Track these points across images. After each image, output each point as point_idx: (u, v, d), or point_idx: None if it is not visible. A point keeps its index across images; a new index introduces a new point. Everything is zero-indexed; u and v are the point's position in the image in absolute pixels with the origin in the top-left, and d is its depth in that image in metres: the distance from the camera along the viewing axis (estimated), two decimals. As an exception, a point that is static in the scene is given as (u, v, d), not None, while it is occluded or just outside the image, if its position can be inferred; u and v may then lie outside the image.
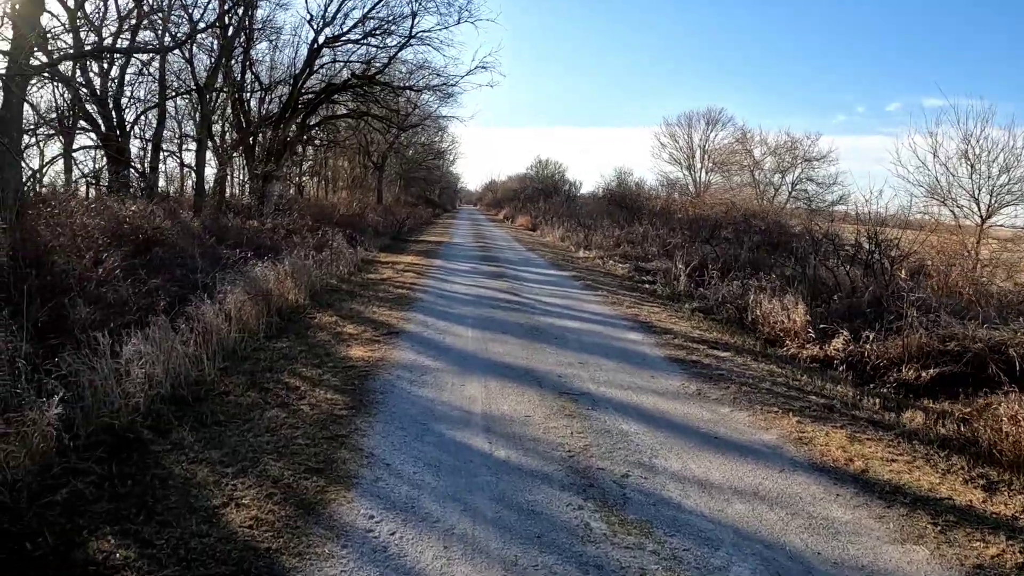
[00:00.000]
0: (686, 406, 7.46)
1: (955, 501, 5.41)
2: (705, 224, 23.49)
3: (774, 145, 41.92)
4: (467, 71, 29.45)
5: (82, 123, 21.36)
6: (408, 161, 55.48)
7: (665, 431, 6.67)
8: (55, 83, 19.24)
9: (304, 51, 26.25)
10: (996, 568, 4.46)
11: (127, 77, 21.71)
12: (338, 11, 25.27)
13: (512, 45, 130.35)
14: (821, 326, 10.33)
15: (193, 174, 23.70)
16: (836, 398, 7.89)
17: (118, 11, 20.22)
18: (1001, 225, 17.25)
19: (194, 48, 22.30)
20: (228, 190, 26.75)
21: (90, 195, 17.67)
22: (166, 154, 26.69)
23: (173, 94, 24.17)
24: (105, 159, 21.02)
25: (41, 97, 22.06)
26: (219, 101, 25.75)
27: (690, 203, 31.51)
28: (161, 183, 25.05)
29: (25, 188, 11.58)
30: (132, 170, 20.16)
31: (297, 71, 26.02)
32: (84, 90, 19.57)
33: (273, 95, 27.71)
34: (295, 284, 12.10)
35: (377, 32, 26.15)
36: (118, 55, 20.15)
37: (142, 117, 24.23)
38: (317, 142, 34.62)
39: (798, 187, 40.66)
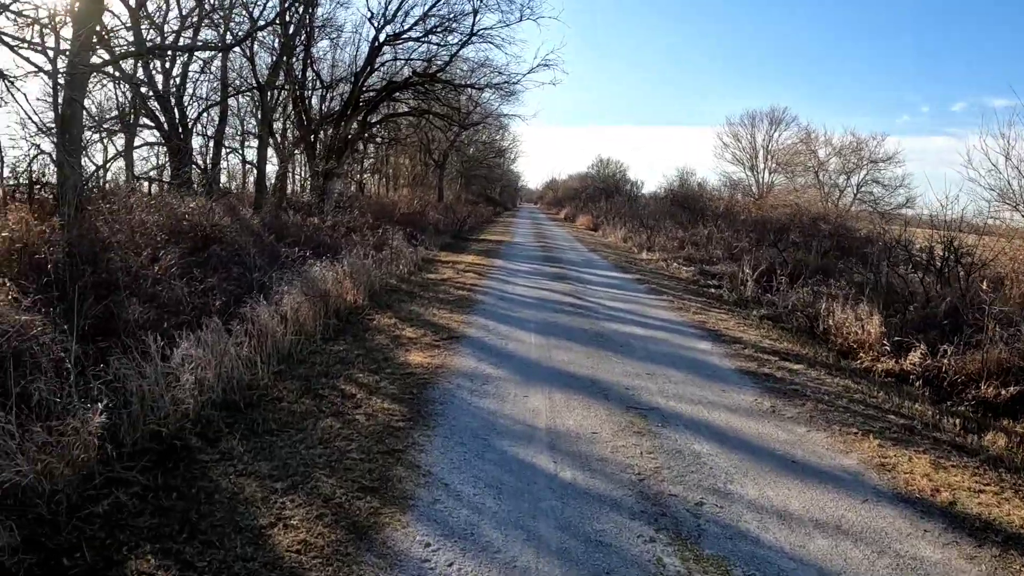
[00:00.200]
0: (760, 424, 6.97)
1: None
2: (770, 227, 22.76)
3: (839, 146, 40.91)
4: (529, 69, 28.81)
5: (145, 120, 21.51)
6: (469, 159, 55.41)
7: (739, 452, 6.20)
8: (117, 81, 19.36)
9: (365, 49, 26.25)
10: None
11: (189, 75, 21.88)
12: (399, 9, 25.17)
13: (573, 43, 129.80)
14: (896, 338, 9.77)
15: (254, 171, 23.78)
16: (916, 418, 7.35)
17: (180, 10, 20.33)
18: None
19: (255, 46, 22.36)
20: (289, 187, 26.81)
21: (152, 192, 17.69)
22: (228, 151, 26.83)
23: (234, 92, 24.28)
24: (167, 156, 21.11)
25: (104, 95, 22.39)
26: (280, 99, 25.84)
27: (753, 204, 30.74)
28: (223, 180, 25.18)
29: (86, 184, 11.50)
30: (194, 166, 20.21)
31: (358, 69, 25.95)
32: (146, 88, 19.65)
33: (334, 93, 27.73)
34: (354, 284, 11.84)
35: (438, 30, 25.94)
36: (179, 53, 20.23)
37: (204, 114, 24.43)
38: (378, 140, 34.64)
39: (863, 189, 39.70)
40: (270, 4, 21.19)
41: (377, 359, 8.58)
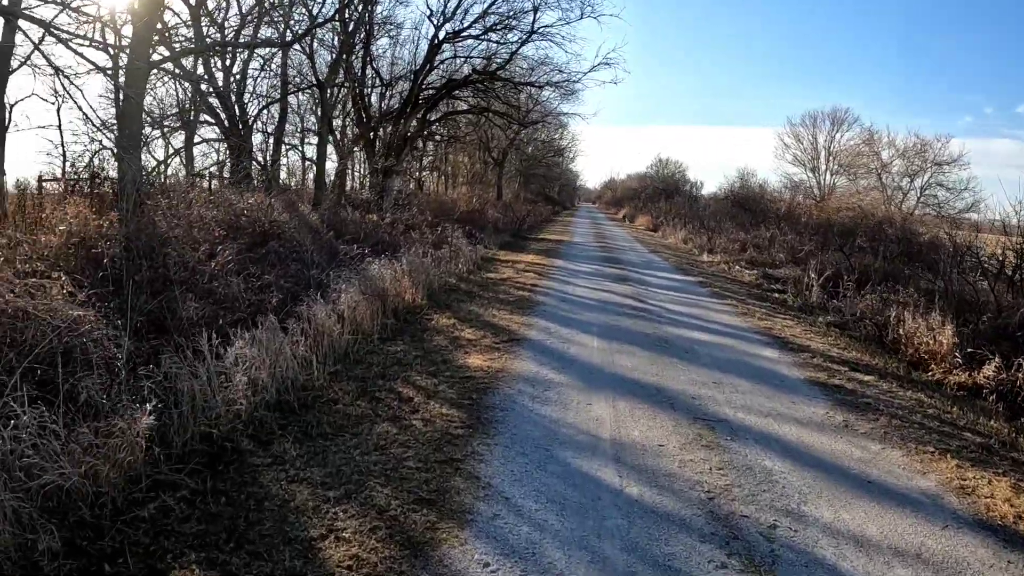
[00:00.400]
0: (833, 440, 6.55)
1: None
2: (834, 230, 22.11)
3: (903, 147, 39.97)
4: (590, 67, 28.50)
5: (205, 117, 21.66)
6: (528, 158, 55.26)
7: (812, 470, 5.80)
8: (178, 78, 19.50)
9: (424, 47, 26.28)
10: None
11: (249, 72, 21.99)
12: (458, 7, 25.13)
13: (631, 43, 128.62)
14: (968, 350, 9.28)
15: (314, 167, 23.84)
16: (992, 436, 6.90)
17: (239, 7, 20.41)
18: None
19: (315, 44, 22.45)
20: (348, 184, 26.87)
21: (213, 187, 17.76)
22: (287, 148, 26.98)
23: (294, 89, 24.37)
24: (227, 152, 21.24)
25: (165, 92, 22.63)
26: (340, 96, 25.89)
27: (815, 207, 30.03)
28: (282, 176, 25.30)
29: (146, 180, 11.50)
30: (254, 163, 20.29)
31: (417, 67, 25.96)
32: (206, 85, 19.77)
33: (393, 91, 27.79)
34: (412, 283, 11.65)
35: (497, 27, 25.85)
36: (239, 50, 20.32)
37: (264, 111, 24.56)
38: (437, 137, 34.64)
39: (927, 192, 38.67)
40: (329, 1, 21.20)
41: (435, 361, 8.34)
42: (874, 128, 43.71)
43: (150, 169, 13.73)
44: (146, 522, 4.23)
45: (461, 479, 5.17)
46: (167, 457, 4.94)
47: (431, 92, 26.48)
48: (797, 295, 15.21)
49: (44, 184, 12.18)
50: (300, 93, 26.41)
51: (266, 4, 19.52)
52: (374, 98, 27.04)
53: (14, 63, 13.84)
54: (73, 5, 9.45)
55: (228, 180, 18.38)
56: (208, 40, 18.39)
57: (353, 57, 23.53)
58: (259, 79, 23.37)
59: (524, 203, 46.01)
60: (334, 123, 25.96)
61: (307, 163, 29.07)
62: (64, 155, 12.10)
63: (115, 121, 12.79)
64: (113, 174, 10.68)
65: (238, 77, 21.20)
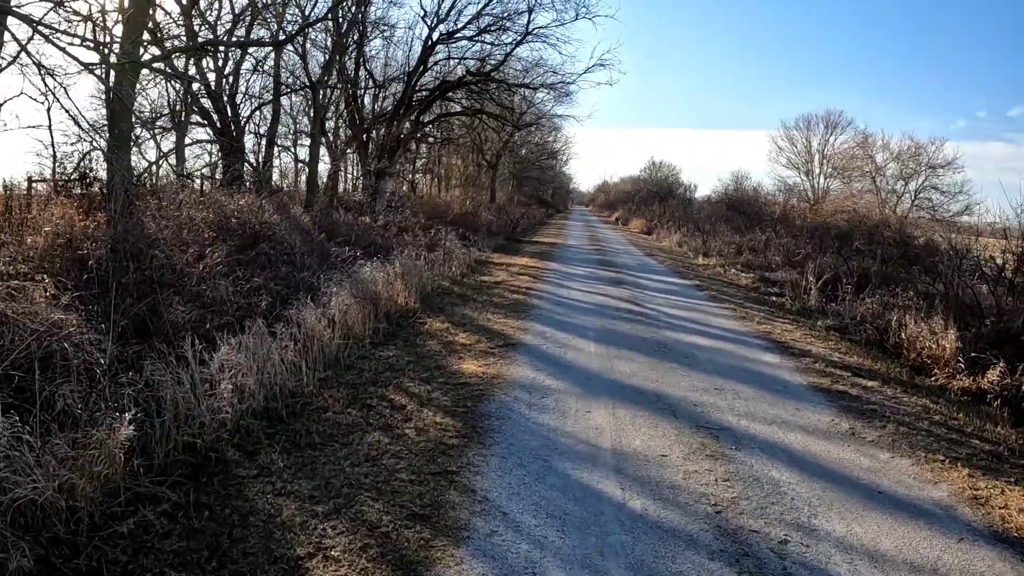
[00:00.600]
0: (840, 449, 6.37)
1: None
2: (831, 233, 22.00)
3: (897, 150, 40.28)
4: (585, 69, 28.43)
5: (197, 118, 21.49)
6: (521, 160, 55.18)
7: (821, 481, 5.61)
8: (170, 79, 19.30)
9: (418, 48, 26.12)
10: None
11: (242, 74, 21.83)
12: (452, 7, 24.93)
13: (625, 46, 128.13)
14: (972, 354, 9.11)
15: (306, 169, 23.66)
16: (1001, 443, 6.78)
17: (232, 7, 20.22)
18: None
19: (307, 44, 22.29)
20: (340, 186, 26.67)
21: (204, 188, 17.55)
22: (280, 149, 26.79)
23: (287, 90, 24.15)
24: (219, 154, 21.04)
25: (158, 93, 22.44)
26: (333, 98, 25.74)
27: (810, 210, 29.98)
28: (275, 178, 25.10)
29: (137, 180, 11.30)
30: (246, 164, 20.10)
31: (411, 68, 25.81)
32: (199, 85, 19.58)
33: (387, 92, 27.62)
34: (405, 286, 11.45)
35: (492, 28, 25.67)
36: (231, 49, 20.13)
37: (256, 113, 24.43)
38: (431, 139, 34.44)
39: (921, 195, 38.95)
40: (322, 1, 21.03)
41: (429, 367, 8.14)
42: (868, 131, 43.77)
43: (141, 170, 13.48)
44: (124, 538, 4.03)
45: (456, 492, 4.96)
46: (148, 468, 4.73)
47: (424, 94, 26.29)
48: (795, 299, 15.06)
49: (34, 185, 11.95)
50: (293, 94, 26.30)
51: (259, 3, 19.31)
52: (367, 100, 26.90)
53: (1, 62, 13.63)
54: (64, 3, 9.26)
55: (219, 181, 18.20)
56: (200, 39, 18.17)
57: (346, 58, 23.35)
58: (252, 80, 23.34)
59: (517, 206, 45.89)
60: (327, 125, 25.83)
61: (299, 165, 28.92)
62: (54, 156, 11.90)
63: (105, 122, 12.57)
64: (103, 175, 10.49)
65: (230, 78, 21.03)
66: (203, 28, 19.51)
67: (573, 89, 30.17)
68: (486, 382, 7.67)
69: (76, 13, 10.01)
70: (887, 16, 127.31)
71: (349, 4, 21.47)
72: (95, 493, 4.24)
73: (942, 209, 37.21)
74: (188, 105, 21.42)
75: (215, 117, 20.05)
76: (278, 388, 6.46)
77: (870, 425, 7.09)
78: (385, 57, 28.87)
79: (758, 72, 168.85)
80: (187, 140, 22.96)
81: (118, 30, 10.58)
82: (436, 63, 27.01)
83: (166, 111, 22.33)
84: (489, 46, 26.33)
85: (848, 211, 27.30)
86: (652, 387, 7.92)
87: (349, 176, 31.73)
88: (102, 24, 10.54)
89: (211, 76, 20.36)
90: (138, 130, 18.03)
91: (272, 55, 21.50)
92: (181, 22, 17.82)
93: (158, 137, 22.82)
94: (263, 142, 23.72)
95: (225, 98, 20.22)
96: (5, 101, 10.13)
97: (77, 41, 9.58)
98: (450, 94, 28.17)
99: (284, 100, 25.19)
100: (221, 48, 19.69)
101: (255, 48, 21.09)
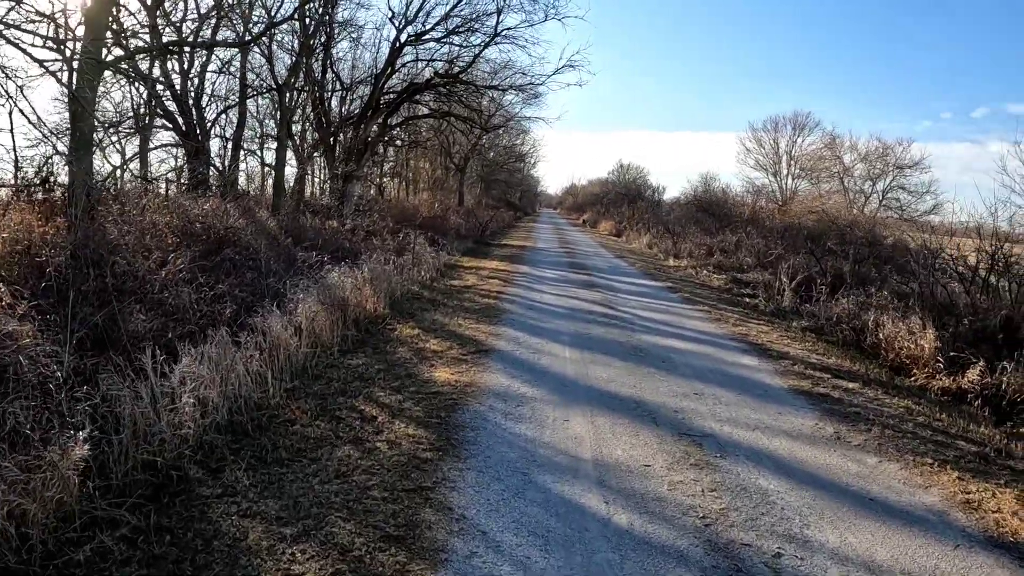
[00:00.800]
0: (827, 454, 6.26)
1: None
2: (802, 234, 22.08)
3: (864, 151, 40.76)
4: (554, 70, 28.12)
5: (162, 121, 21.11)
6: (490, 163, 55.00)
7: (811, 489, 5.48)
8: (134, 81, 18.91)
9: (386, 50, 25.80)
10: None
11: (207, 76, 21.47)
12: (420, 9, 24.64)
13: (594, 47, 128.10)
14: (951, 354, 9.14)
15: (272, 173, 23.35)
16: (986, 443, 6.75)
17: (198, 8, 19.86)
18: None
19: (274, 46, 21.96)
20: (308, 190, 26.35)
21: (169, 193, 17.20)
22: (246, 153, 26.45)
23: (253, 93, 23.79)
24: (184, 157, 20.67)
25: (122, 96, 22.02)
26: (300, 100, 25.42)
27: (779, 211, 30.12)
28: (241, 182, 24.77)
29: (100, 185, 10.99)
30: (212, 168, 19.76)
31: (379, 70, 25.49)
32: (163, 87, 19.22)
33: (354, 95, 27.31)
34: (374, 291, 11.21)
35: (460, 30, 25.42)
36: (196, 50, 19.78)
37: (222, 116, 24.14)
38: (399, 143, 34.21)
39: (889, 195, 39.46)
40: (289, 1, 20.70)
41: (400, 375, 7.90)
42: (836, 132, 44.07)
43: (104, 175, 13.15)
44: (80, 567, 3.78)
45: (432, 511, 4.73)
46: (106, 490, 4.46)
47: (392, 96, 26.03)
48: (769, 300, 15.04)
49: (-6, 190, 11.59)
50: (259, 98, 25.93)
51: (225, 3, 18.97)
52: (334, 102, 26.56)
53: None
54: (23, 0, 8.99)
55: (184, 186, 17.85)
56: (164, 39, 17.81)
57: (313, 60, 23.02)
58: (217, 82, 22.91)
59: (486, 209, 45.72)
60: (294, 128, 25.51)
61: (266, 169, 28.56)
62: (16, 160, 11.51)
63: (69, 125, 12.24)
64: (65, 180, 10.18)
65: (196, 80, 20.67)
66: (167, 28, 19.15)
67: (542, 91, 30.02)
68: (459, 390, 7.45)
69: (40, 14, 9.76)
70: (855, 19, 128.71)
71: (316, 4, 21.19)
72: (48, 519, 3.98)
73: (910, 209, 37.82)
74: (152, 108, 21.00)
75: (180, 120, 19.68)
76: (243, 400, 6.20)
77: (855, 428, 7.00)
78: (352, 59, 28.62)
79: (728, 72, 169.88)
80: (152, 144, 22.59)
81: (81, 31, 10.33)
82: (404, 65, 26.80)
83: (130, 114, 21.91)
84: (458, 48, 26.09)
85: (817, 211, 27.47)
86: (630, 393, 7.75)
87: (316, 180, 31.41)
88: (64, 23, 10.27)
89: (176, 78, 20.02)
90: (101, 133, 17.63)
91: (238, 56, 21.20)
92: (145, 22, 17.47)
93: (122, 141, 22.43)
94: (229, 146, 23.42)
95: (190, 100, 19.89)
96: (-37, 104, 9.82)
97: (39, 41, 9.34)
98: (418, 96, 27.95)
99: (250, 103, 24.86)
100: (186, 49, 19.31)
101: (221, 49, 20.76)
